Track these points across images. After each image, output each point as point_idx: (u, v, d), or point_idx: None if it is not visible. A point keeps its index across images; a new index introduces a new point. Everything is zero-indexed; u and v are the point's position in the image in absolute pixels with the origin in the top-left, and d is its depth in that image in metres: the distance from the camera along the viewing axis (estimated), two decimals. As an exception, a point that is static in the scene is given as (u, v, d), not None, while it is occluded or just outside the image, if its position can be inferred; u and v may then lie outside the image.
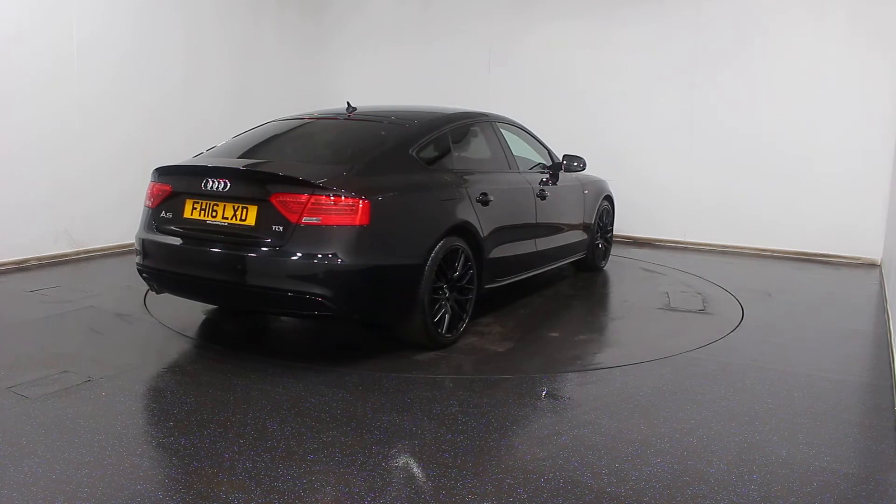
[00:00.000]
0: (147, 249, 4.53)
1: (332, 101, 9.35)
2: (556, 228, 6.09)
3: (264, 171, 4.38)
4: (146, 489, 2.84)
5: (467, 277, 4.72)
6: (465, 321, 4.74)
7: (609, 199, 7.19)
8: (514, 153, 6.16)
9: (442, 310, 4.53)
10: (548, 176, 6.06)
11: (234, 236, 4.17)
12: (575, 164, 6.20)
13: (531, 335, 4.97)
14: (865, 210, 7.54)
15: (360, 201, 4.01)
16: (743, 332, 5.15)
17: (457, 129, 5.27)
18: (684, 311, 5.61)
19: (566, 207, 6.29)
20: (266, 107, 8.56)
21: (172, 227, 4.42)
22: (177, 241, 4.39)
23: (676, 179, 8.41)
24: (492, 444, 3.31)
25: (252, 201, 4.13)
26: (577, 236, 6.54)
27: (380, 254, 4.12)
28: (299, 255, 3.98)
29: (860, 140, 7.52)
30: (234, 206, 4.18)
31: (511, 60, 9.20)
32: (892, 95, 7.35)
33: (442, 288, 4.52)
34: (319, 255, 3.97)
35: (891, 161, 7.30)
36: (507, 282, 5.46)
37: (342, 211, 3.99)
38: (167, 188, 4.50)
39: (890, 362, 4.51)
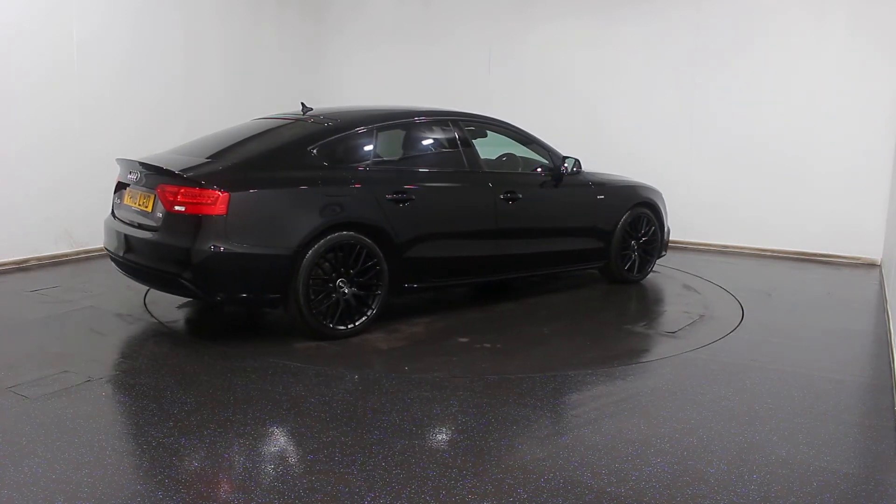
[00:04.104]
0: (105, 231, 5.19)
1: (331, 101, 9.33)
2: (538, 233, 5.82)
3: (153, 164, 4.78)
4: (146, 489, 2.84)
5: (371, 273, 4.81)
6: (367, 316, 4.83)
7: (648, 205, 6.53)
8: (513, 154, 6.13)
9: (327, 301, 4.67)
10: (549, 178, 5.89)
11: (141, 220, 4.77)
12: (574, 168, 5.98)
13: (440, 338, 4.88)
14: (865, 210, 7.53)
15: (220, 193, 4.38)
16: (743, 332, 5.15)
17: (388, 128, 5.36)
18: (649, 333, 5.11)
19: (560, 212, 5.98)
20: (266, 107, 8.52)
21: (117, 212, 5.11)
22: (117, 224, 5.01)
23: (677, 179, 8.39)
24: (492, 444, 3.31)
25: (151, 190, 4.68)
26: (585, 243, 6.15)
27: (239, 242, 4.42)
28: (168, 238, 4.51)
29: (860, 140, 7.52)
30: (143, 195, 4.77)
31: (511, 60, 9.19)
32: (892, 95, 7.35)
33: (333, 280, 4.67)
34: (181, 240, 4.43)
35: (891, 161, 7.30)
36: (446, 284, 5.46)
37: (203, 201, 4.39)
38: (119, 178, 5.18)
39: (890, 362, 4.51)
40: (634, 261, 6.49)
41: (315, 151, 4.87)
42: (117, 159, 5.22)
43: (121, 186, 5.11)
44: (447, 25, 9.51)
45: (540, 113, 8.66)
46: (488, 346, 4.74)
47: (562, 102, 8.90)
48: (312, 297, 4.60)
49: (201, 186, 4.41)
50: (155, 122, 7.67)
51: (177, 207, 4.45)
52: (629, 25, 8.49)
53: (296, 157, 4.84)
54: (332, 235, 4.64)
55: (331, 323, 4.69)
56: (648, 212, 6.55)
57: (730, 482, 2.98)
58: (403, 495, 2.82)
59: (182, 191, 4.44)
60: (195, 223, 4.40)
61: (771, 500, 2.84)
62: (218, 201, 4.37)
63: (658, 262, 6.81)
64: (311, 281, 4.57)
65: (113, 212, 5.18)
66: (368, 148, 5.13)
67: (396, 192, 4.98)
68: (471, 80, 9.35)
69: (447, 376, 4.13)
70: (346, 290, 4.73)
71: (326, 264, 4.65)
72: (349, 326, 4.77)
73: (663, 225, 6.72)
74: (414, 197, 5.05)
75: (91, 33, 7.04)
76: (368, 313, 4.84)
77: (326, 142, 4.95)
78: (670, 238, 7.07)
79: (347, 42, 10.10)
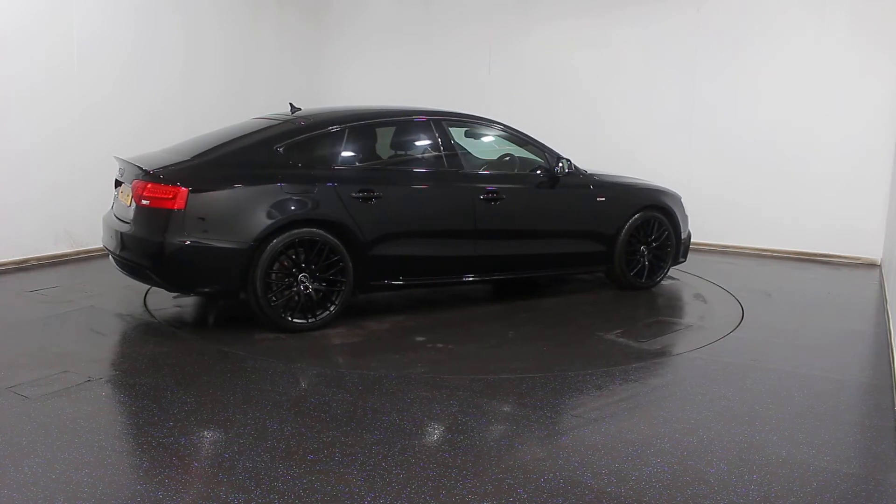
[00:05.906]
0: (103, 225, 5.36)
1: (332, 102, 9.34)
2: (526, 235, 5.72)
3: (129, 161, 5.03)
4: (146, 489, 2.84)
5: (335, 270, 4.92)
6: (329, 311, 4.94)
7: (660, 208, 6.25)
8: (513, 155, 6.09)
9: (287, 294, 4.80)
10: (544, 179, 5.79)
11: (122, 214, 5.00)
12: (567, 169, 5.84)
13: (399, 336, 4.90)
14: (865, 210, 7.53)
15: (179, 189, 4.60)
16: (743, 332, 5.15)
17: (361, 128, 5.42)
18: (618, 341, 4.84)
19: (552, 214, 5.84)
20: (266, 107, 8.51)
21: (114, 207, 5.30)
22: (112, 219, 5.19)
23: (676, 179, 8.36)
24: (492, 444, 3.32)
25: (129, 186, 4.89)
26: (583, 246, 5.98)
27: (197, 235, 4.62)
28: (137, 231, 4.77)
29: (860, 140, 7.51)
30: (127, 191, 4.97)
31: (511, 60, 9.19)
32: (892, 96, 7.34)
33: (295, 275, 4.81)
34: (145, 232, 4.71)
35: (891, 161, 7.30)
36: (418, 283, 5.47)
37: (164, 196, 4.63)
38: (115, 176, 5.36)
39: (890, 362, 4.50)
40: (644, 266, 6.19)
41: (282, 150, 5.03)
42: (114, 157, 5.40)
43: (118, 184, 5.29)
44: (447, 25, 9.51)
45: (540, 113, 8.66)
46: (441, 345, 4.73)
47: (562, 102, 8.90)
48: (275, 289, 4.75)
49: (163, 182, 4.64)
50: (155, 123, 7.67)
51: (143, 202, 4.70)
52: (629, 25, 8.49)
53: (262, 155, 5.01)
54: (293, 231, 4.77)
55: (290, 316, 4.82)
56: (660, 216, 6.25)
57: (730, 482, 2.98)
58: (403, 495, 2.82)
59: (148, 186, 4.68)
60: (157, 217, 4.64)
61: (771, 500, 2.84)
62: (177, 196, 4.58)
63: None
64: (271, 274, 4.73)
65: (112, 207, 5.36)
66: (336, 147, 5.22)
67: (362, 191, 5.03)
68: (471, 80, 9.35)
69: (390, 373, 4.15)
70: (310, 286, 4.84)
71: (287, 260, 4.78)
72: (309, 320, 4.87)
73: (679, 230, 6.40)
74: (381, 195, 5.09)
75: (91, 34, 7.04)
76: (331, 308, 4.94)
77: (293, 141, 5.09)
78: (690, 243, 6.74)
79: (347, 42, 10.10)
